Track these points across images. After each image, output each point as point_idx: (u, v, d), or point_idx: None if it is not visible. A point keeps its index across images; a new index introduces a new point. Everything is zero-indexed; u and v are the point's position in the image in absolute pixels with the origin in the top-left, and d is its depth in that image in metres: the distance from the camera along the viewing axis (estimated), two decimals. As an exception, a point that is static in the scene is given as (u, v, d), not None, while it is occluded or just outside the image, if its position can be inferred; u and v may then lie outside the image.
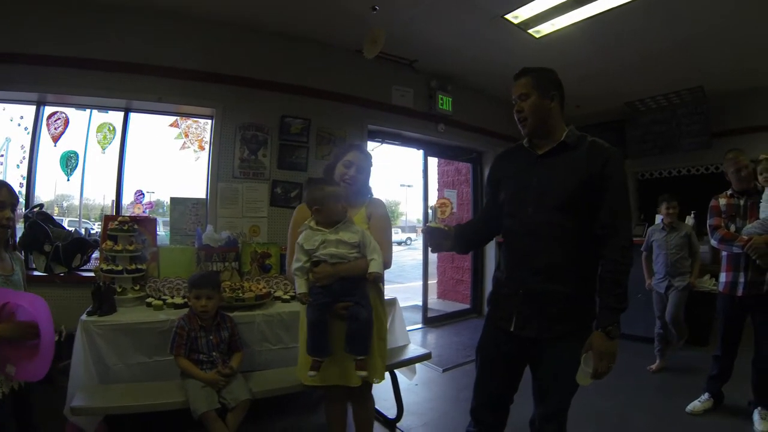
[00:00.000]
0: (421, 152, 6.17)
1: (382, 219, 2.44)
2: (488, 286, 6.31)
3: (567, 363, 1.85)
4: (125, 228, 3.31)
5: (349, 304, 2.25)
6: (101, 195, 4.31)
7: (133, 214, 4.00)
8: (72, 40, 3.91)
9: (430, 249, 2.18)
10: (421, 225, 19.80)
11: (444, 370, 4.48)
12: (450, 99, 5.82)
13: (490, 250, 6.53)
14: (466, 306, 6.86)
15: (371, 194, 2.57)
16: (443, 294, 7.46)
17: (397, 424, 3.35)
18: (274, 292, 3.46)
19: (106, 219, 3.48)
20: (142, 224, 3.47)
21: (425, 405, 3.68)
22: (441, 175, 7.44)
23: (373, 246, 2.28)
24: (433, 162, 6.97)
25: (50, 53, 3.87)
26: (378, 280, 2.26)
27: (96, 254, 3.86)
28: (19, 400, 1.98)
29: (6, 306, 1.81)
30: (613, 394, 3.64)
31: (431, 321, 6.23)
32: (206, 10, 4.16)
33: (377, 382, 2.45)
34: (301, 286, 2.28)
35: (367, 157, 2.51)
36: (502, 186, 2.06)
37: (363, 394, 2.57)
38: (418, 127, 5.66)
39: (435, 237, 2.10)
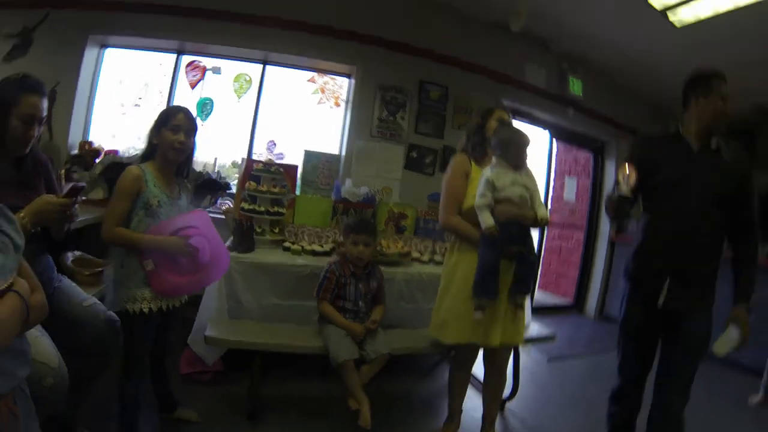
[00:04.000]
0: (547, 133, 5.94)
1: (534, 179, 2.47)
2: (595, 285, 6.20)
3: (702, 333, 2.13)
4: (271, 170, 3.35)
5: (522, 248, 2.33)
6: (233, 142, 4.44)
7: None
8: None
9: (615, 227, 2.18)
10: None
11: (549, 360, 4.35)
12: (580, 83, 5.52)
13: (601, 249, 6.17)
14: (567, 301, 6.59)
15: None
16: (543, 285, 7.17)
17: (507, 403, 3.26)
18: (411, 251, 3.44)
19: (250, 162, 3.52)
20: (285, 170, 3.51)
21: (530, 390, 3.57)
22: (558, 162, 7.10)
23: (539, 195, 2.39)
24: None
25: (192, 5, 4.09)
26: (544, 225, 2.46)
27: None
28: (165, 319, 2.17)
29: (179, 231, 1.97)
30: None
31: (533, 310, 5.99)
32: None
33: (517, 343, 2.60)
34: (488, 219, 2.29)
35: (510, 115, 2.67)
36: (654, 171, 2.15)
37: (501, 361, 2.63)
38: (548, 108, 5.45)
39: (626, 208, 2.15)
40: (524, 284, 2.36)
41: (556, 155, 7.12)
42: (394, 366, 3.30)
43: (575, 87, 5.50)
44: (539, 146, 5.87)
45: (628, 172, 2.06)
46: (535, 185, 2.38)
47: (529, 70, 5.23)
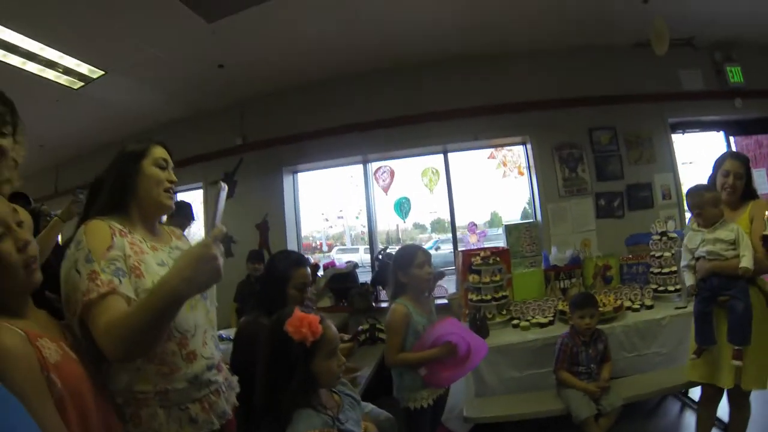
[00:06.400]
0: (721, 134, 5.71)
1: (735, 229, 2.54)
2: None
3: None
4: (490, 262, 3.76)
5: (726, 298, 2.49)
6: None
7: (488, 247, 4.42)
8: (386, 105, 4.85)
9: None
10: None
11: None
12: (738, 68, 5.27)
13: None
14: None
15: (755, 196, 2.70)
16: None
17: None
18: (623, 302, 3.66)
19: (467, 255, 3.93)
20: (500, 255, 3.87)
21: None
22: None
23: (745, 243, 2.46)
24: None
25: (370, 119, 4.83)
26: (746, 274, 2.41)
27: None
28: (435, 409, 2.58)
29: (440, 337, 2.43)
30: None
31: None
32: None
33: (749, 389, 2.57)
34: (689, 280, 2.69)
35: (743, 163, 2.65)
36: None
37: (737, 400, 2.71)
38: (714, 108, 5.32)
39: None
40: (733, 334, 2.45)
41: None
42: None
43: (735, 75, 5.27)
44: (715, 150, 5.67)
45: None
46: (736, 235, 2.48)
47: (684, 77, 5.20)
